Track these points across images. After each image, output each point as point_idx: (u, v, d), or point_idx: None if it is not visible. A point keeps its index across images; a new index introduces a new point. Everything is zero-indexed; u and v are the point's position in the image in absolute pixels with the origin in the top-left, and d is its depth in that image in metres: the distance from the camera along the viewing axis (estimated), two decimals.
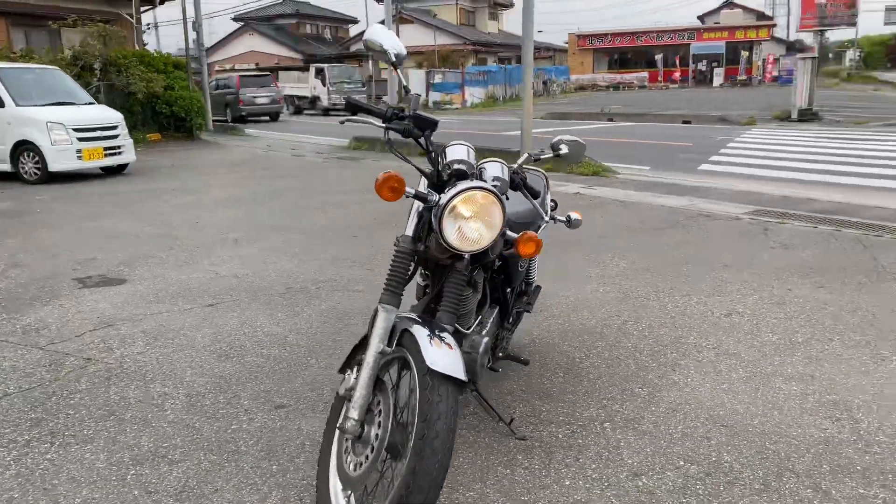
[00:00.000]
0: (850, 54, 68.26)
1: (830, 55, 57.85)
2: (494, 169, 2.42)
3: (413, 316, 2.21)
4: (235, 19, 51.41)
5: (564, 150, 2.80)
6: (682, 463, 2.62)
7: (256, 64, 48.72)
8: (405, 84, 2.35)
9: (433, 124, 2.32)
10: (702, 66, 48.70)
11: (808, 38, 48.39)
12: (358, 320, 4.21)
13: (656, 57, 48.45)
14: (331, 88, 31.39)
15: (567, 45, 52.01)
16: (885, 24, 56.33)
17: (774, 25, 52.76)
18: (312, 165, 12.34)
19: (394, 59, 2.31)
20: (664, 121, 20.22)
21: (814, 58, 19.32)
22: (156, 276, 5.25)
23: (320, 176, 10.87)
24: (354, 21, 58.27)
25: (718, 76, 46.67)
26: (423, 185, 2.36)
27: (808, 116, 18.73)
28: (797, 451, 2.68)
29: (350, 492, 2.19)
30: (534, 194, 2.60)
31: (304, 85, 33.33)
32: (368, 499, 2.13)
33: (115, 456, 2.72)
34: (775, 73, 46.77)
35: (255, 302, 4.61)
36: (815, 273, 4.99)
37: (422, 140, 2.34)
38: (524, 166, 2.69)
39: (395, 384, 2.17)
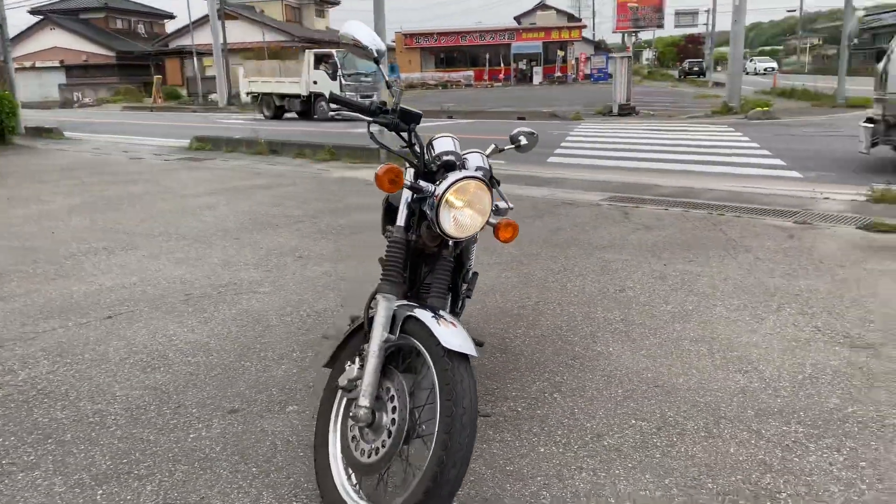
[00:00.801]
0: (647, 54, 75.18)
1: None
2: (476, 159, 2.54)
3: (410, 303, 2.29)
4: (32, 12, 46.83)
5: (524, 141, 2.98)
6: (634, 421, 2.90)
7: (62, 61, 44.76)
8: (386, 79, 2.41)
9: (417, 118, 2.41)
10: (522, 65, 51.22)
11: (618, 39, 52.47)
12: (277, 321, 4.15)
13: (486, 56, 50.31)
14: (344, 83, 22.66)
15: (394, 44, 52.54)
16: (676, 26, 62.43)
17: (584, 27, 56.67)
18: (158, 168, 11.66)
19: (375, 55, 2.36)
20: (501, 117, 21.15)
21: (629, 57, 21.07)
22: (30, 292, 4.81)
23: (172, 179, 10.32)
24: (171, 16, 55.19)
25: (538, 74, 49.33)
26: (409, 176, 2.43)
27: (626, 111, 20.41)
28: (723, 401, 3.06)
29: (357, 479, 2.23)
30: (495, 184, 2.76)
31: (292, 79, 24.31)
32: (383, 483, 2.19)
33: (73, 478, 2.54)
34: (587, 72, 50.31)
35: (157, 311, 4.38)
36: (681, 249, 5.57)
37: (405, 134, 2.41)
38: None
39: (403, 370, 2.24)
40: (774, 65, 53.22)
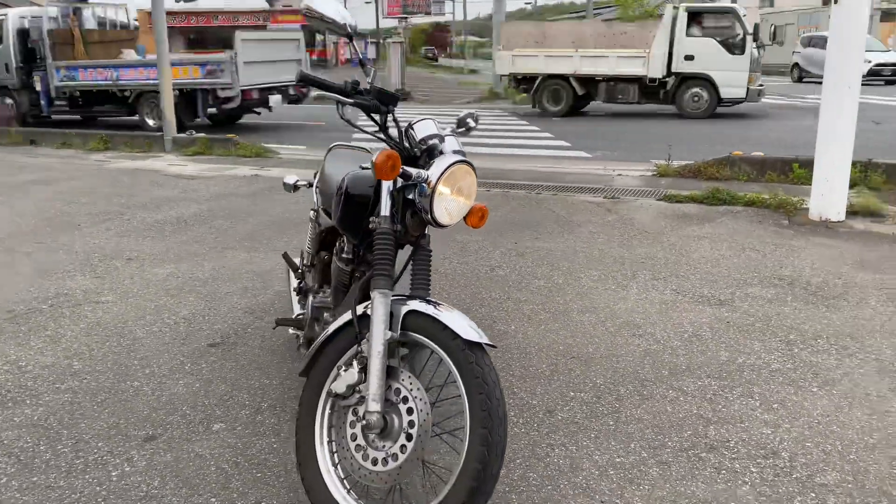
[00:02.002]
0: (397, 39, 78.11)
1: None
2: (453, 142, 2.43)
3: (401, 296, 2.15)
4: None
5: (472, 124, 2.91)
6: (573, 394, 3.01)
7: None
8: (360, 56, 2.22)
9: (395, 99, 2.25)
10: None
11: (371, 24, 52.96)
12: (143, 332, 3.67)
13: None
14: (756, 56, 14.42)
15: (137, 23, 48.25)
16: (425, 13, 65.62)
17: None
18: None
19: (350, 30, 2.16)
20: None
21: (402, 42, 21.46)
22: None
23: None
24: None
25: None
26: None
27: (403, 95, 20.80)
28: (638, 365, 3.29)
29: (363, 490, 2.07)
30: None
31: (625, 52, 14.91)
32: (395, 491, 2.05)
33: None
34: (347, 56, 50.39)
35: None
36: (522, 228, 5.85)
37: (378, 116, 2.25)
38: None
39: (411, 368, 2.11)
40: None
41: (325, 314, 2.72)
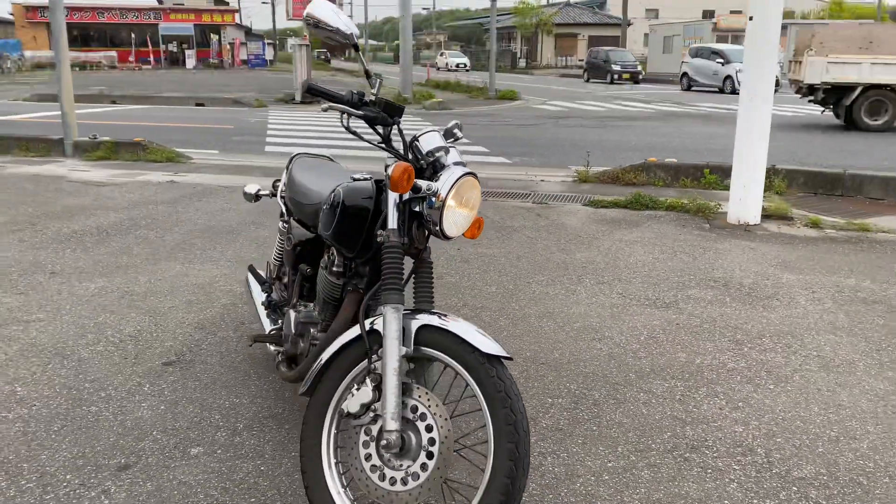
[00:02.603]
0: (293, 41, 77.35)
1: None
2: (454, 154, 2.39)
3: (412, 309, 2.12)
4: None
5: (459, 134, 2.88)
6: (550, 399, 3.05)
7: None
8: (366, 67, 2.16)
9: (400, 111, 2.20)
10: (172, 48, 47.99)
11: (268, 25, 51.86)
12: (88, 352, 3.45)
13: (130, 35, 45.87)
14: None
15: (13, 17, 45.20)
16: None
17: (237, 11, 55.01)
18: None
19: (355, 40, 2.10)
20: (176, 103, 19.63)
21: (307, 45, 21.11)
22: None
23: None
24: None
25: (191, 58, 46.65)
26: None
27: (308, 98, 20.46)
28: (604, 368, 3.37)
29: None
30: None
31: None
32: None
33: None
34: (243, 57, 49.10)
35: None
36: None
37: (381, 129, 2.20)
38: None
39: (425, 384, 2.07)
40: (467, 61, 51.50)
41: (312, 330, 2.63)
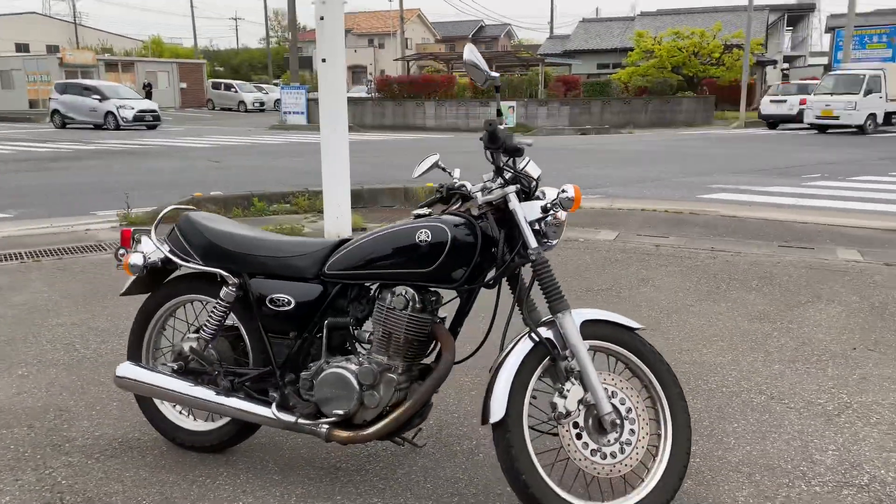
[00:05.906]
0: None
1: None
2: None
3: (556, 310, 2.40)
4: None
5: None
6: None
7: None
8: (499, 107, 2.30)
9: (520, 152, 2.40)
10: None
11: None
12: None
13: None
14: None
15: None
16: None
17: None
18: None
19: (498, 82, 2.25)
20: None
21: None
22: None
23: None
24: None
25: None
26: (515, 200, 2.39)
27: None
28: None
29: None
30: None
31: None
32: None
33: None
34: None
35: None
36: None
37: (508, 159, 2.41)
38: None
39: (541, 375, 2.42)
40: None
41: (390, 374, 2.51)
